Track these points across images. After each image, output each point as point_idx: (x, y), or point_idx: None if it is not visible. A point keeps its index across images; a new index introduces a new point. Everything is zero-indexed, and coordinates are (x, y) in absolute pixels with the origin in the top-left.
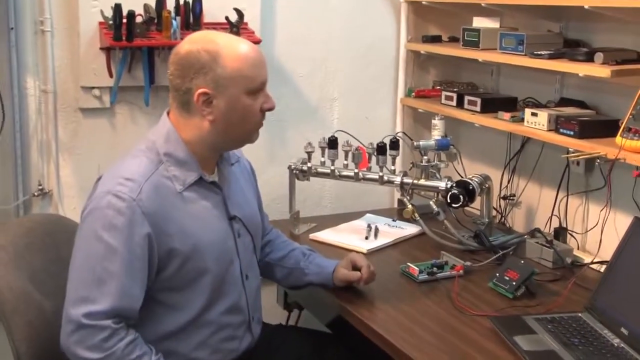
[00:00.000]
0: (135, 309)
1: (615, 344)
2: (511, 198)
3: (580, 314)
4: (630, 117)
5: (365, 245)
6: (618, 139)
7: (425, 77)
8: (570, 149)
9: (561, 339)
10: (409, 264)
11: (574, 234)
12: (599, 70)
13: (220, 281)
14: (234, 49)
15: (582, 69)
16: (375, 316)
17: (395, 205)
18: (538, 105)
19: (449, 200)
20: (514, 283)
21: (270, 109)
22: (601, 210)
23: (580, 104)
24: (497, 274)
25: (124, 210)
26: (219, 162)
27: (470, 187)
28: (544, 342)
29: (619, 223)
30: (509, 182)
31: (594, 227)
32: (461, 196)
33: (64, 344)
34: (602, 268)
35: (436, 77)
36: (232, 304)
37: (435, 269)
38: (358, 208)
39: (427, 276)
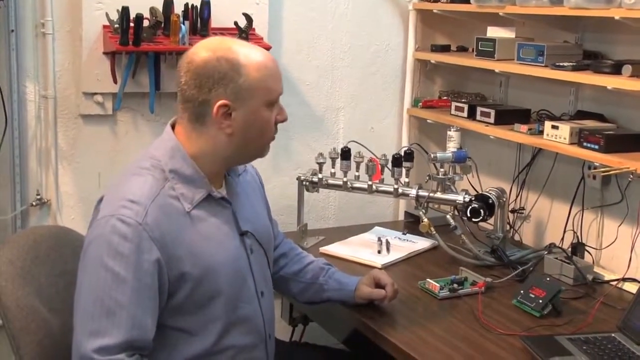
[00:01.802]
0: (149, 339)
1: None
2: (520, 212)
3: (613, 334)
4: None
5: (380, 260)
6: None
7: (431, 87)
8: (595, 164)
9: None
10: (428, 280)
11: (589, 249)
12: (629, 83)
13: (234, 302)
14: (255, 58)
15: (610, 82)
16: (399, 334)
17: (401, 218)
18: (552, 117)
19: (468, 215)
20: (541, 301)
21: (283, 121)
22: (619, 225)
23: (599, 117)
24: (522, 291)
25: (130, 236)
26: (226, 175)
27: (490, 201)
28: None
29: (637, 237)
30: (518, 195)
31: (612, 242)
32: (482, 210)
33: None
34: (624, 285)
35: (442, 87)
36: (250, 325)
37: (455, 285)
38: (362, 220)
39: (448, 292)
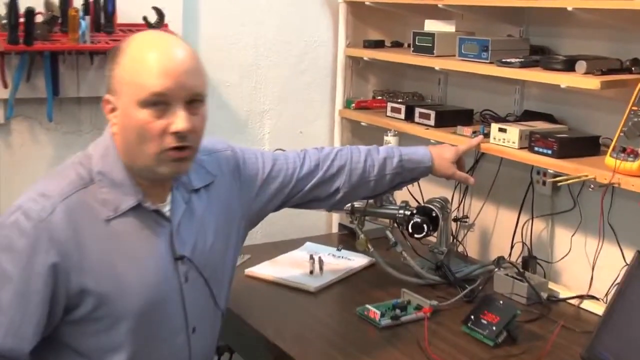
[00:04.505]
0: (24, 352)
1: None
2: (464, 220)
3: None
4: (622, 134)
5: (312, 282)
6: (609, 160)
7: (364, 87)
8: (549, 170)
9: None
10: (367, 306)
11: (541, 262)
12: (585, 81)
13: (146, 333)
14: (143, 47)
15: (563, 80)
16: None
17: (336, 230)
18: (498, 118)
19: (410, 230)
20: (494, 328)
21: (179, 133)
22: (572, 235)
23: (548, 118)
24: (472, 316)
25: (28, 231)
26: (174, 188)
27: (434, 214)
28: None
29: (592, 248)
30: (460, 202)
31: (566, 255)
32: (425, 225)
33: None
34: (582, 303)
35: (376, 86)
36: None
37: (398, 311)
38: (292, 234)
39: (390, 320)
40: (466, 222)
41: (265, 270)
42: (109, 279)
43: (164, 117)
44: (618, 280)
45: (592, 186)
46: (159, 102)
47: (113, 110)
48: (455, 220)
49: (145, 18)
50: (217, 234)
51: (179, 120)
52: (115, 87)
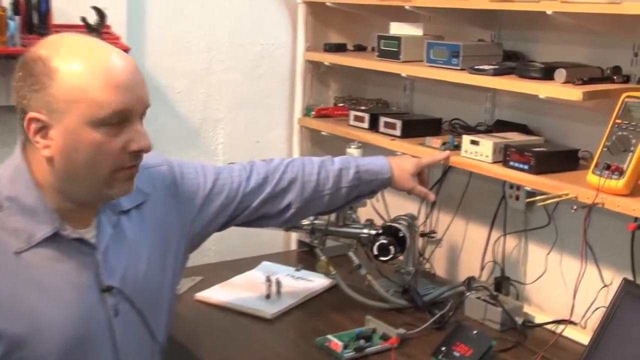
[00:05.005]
0: None
1: None
2: (431, 236)
3: None
4: (605, 149)
5: (269, 308)
6: (592, 177)
7: (324, 93)
8: (525, 188)
9: None
10: (328, 336)
11: (514, 283)
12: (566, 91)
13: None
14: (79, 59)
15: (542, 90)
16: None
17: (295, 247)
18: (468, 128)
19: (376, 253)
20: None
21: (141, 151)
22: (547, 253)
23: (523, 129)
24: (443, 348)
25: None
26: (100, 211)
27: (401, 235)
28: None
29: (568, 268)
30: (427, 216)
31: (541, 275)
32: (391, 247)
33: None
34: (558, 329)
35: (338, 92)
36: None
37: (362, 342)
38: (247, 251)
39: (353, 352)
40: (433, 237)
41: (218, 294)
42: (22, 319)
43: (120, 134)
44: (597, 304)
45: (575, 207)
46: (119, 120)
47: (41, 130)
48: (422, 235)
49: (84, 19)
50: (151, 259)
51: (142, 138)
52: (51, 106)
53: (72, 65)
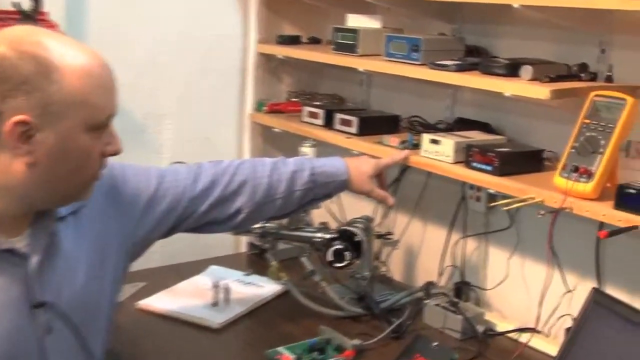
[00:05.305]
0: None
1: None
2: (387, 237)
3: None
4: (572, 150)
5: (216, 317)
6: (559, 179)
7: (277, 87)
8: (489, 190)
9: None
10: (279, 348)
11: (475, 288)
12: (533, 90)
13: None
14: (76, 60)
15: (507, 87)
16: None
17: (245, 249)
18: (427, 126)
19: (330, 259)
20: None
21: (115, 154)
22: (509, 258)
23: (485, 127)
24: None
25: None
26: (34, 219)
27: (357, 239)
28: None
29: (531, 273)
30: (384, 217)
31: (503, 281)
32: (347, 253)
33: None
34: (521, 337)
35: (291, 87)
36: None
37: (315, 354)
38: (196, 253)
39: None
40: (390, 239)
41: (161, 302)
42: None
43: (100, 138)
44: (560, 311)
45: (542, 212)
46: (107, 124)
47: (27, 135)
48: (379, 237)
49: (17, 4)
50: (89, 270)
51: (117, 141)
52: (47, 109)
53: (72, 66)
